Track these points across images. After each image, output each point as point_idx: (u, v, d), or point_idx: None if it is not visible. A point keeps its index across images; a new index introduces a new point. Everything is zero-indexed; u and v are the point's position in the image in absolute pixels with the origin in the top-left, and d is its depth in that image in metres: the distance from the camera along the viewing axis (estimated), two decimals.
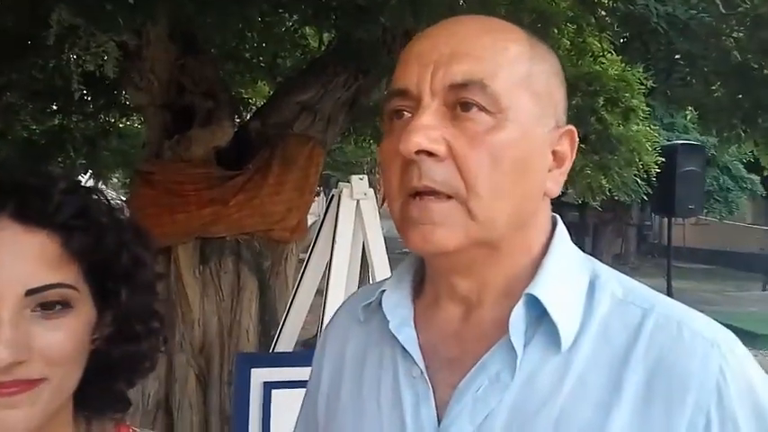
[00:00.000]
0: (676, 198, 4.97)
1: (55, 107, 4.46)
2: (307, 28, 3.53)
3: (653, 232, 21.46)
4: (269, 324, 2.71)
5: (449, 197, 0.59)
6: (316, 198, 5.28)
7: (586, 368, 0.60)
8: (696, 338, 0.59)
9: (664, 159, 4.43)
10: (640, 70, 3.31)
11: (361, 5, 2.47)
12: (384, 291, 0.71)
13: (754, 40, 1.93)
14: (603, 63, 3.69)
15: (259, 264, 2.73)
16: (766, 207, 15.46)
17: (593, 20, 2.74)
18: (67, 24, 1.97)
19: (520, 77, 0.61)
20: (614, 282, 0.65)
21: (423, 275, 0.72)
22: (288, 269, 2.87)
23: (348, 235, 2.10)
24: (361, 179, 2.13)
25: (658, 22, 1.94)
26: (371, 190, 2.14)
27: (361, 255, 2.20)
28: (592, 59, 3.68)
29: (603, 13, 2.57)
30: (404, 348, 0.66)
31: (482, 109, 0.59)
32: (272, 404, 1.91)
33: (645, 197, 4.92)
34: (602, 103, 3.79)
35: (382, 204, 3.85)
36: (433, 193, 0.59)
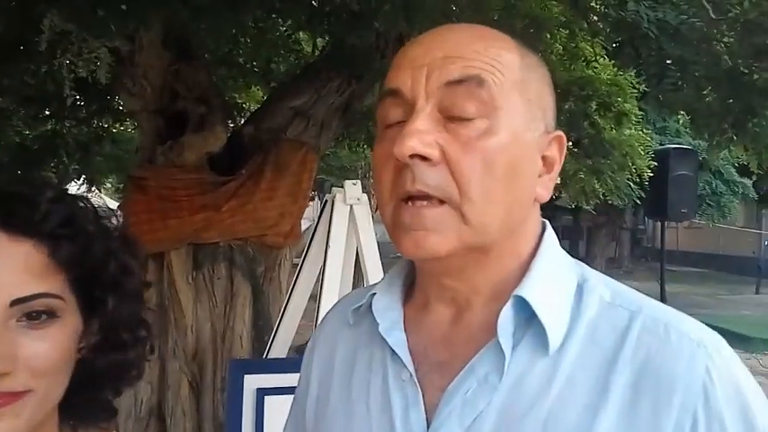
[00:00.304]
0: (669, 202, 4.99)
1: (48, 112, 4.45)
2: (301, 33, 3.54)
3: (646, 236, 21.55)
4: (263, 330, 2.70)
5: (441, 202, 0.60)
6: (310, 203, 5.27)
7: (574, 370, 0.60)
8: (683, 340, 0.59)
9: (656, 163, 4.46)
10: (632, 74, 3.33)
11: (355, 11, 2.48)
12: (374, 294, 0.71)
13: (744, 45, 1.95)
14: (596, 68, 3.71)
15: (252, 269, 2.72)
16: (758, 211, 15.54)
17: (586, 25, 2.76)
18: (59, 30, 1.96)
19: (513, 81, 0.62)
20: (602, 285, 0.65)
21: (413, 279, 0.72)
22: (282, 274, 2.87)
23: (341, 240, 2.10)
24: (354, 184, 2.13)
25: (649, 27, 1.95)
26: (365, 195, 2.14)
27: (354, 260, 2.20)
28: (584, 64, 3.71)
29: (595, 18, 2.59)
30: (393, 351, 0.66)
31: (476, 113, 0.60)
32: (265, 411, 1.90)
33: (638, 201, 4.95)
34: (594, 107, 3.82)
35: (376, 209, 3.85)
36: (426, 197, 0.60)
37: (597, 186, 4.49)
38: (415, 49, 0.64)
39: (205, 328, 2.61)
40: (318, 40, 3.31)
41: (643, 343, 0.60)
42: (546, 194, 0.67)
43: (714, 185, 9.75)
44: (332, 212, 2.10)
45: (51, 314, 0.60)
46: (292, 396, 0.81)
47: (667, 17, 1.98)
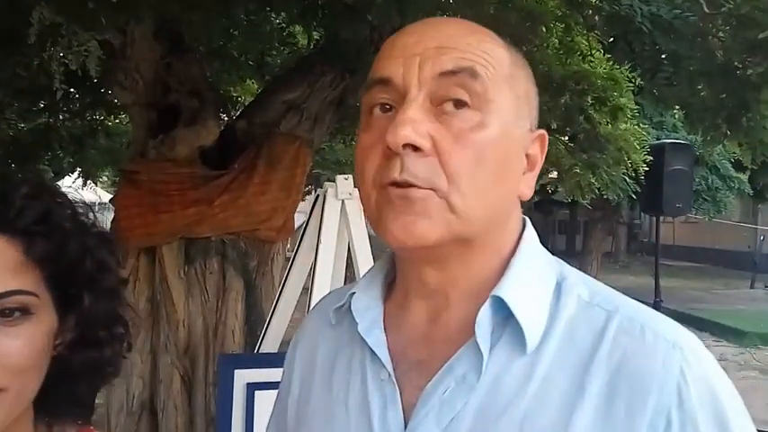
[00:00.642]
0: (664, 197, 4.99)
1: (41, 106, 4.42)
2: (295, 26, 3.52)
3: (643, 231, 21.61)
4: (255, 324, 2.70)
5: (426, 189, 0.59)
6: (307, 197, 5.26)
7: (551, 370, 0.60)
8: (658, 341, 0.59)
9: (652, 158, 4.45)
10: (627, 69, 3.32)
11: (349, 4, 2.46)
12: (354, 293, 0.70)
13: (737, 39, 1.94)
14: (592, 62, 3.70)
15: (245, 264, 2.71)
16: (754, 206, 15.59)
17: (581, 19, 2.75)
18: (49, 23, 1.95)
19: (504, 76, 0.62)
20: (581, 284, 0.65)
21: (394, 276, 0.72)
22: (275, 269, 2.86)
23: (333, 235, 2.10)
24: (346, 179, 2.12)
25: (642, 21, 1.94)
26: (357, 190, 2.13)
27: (346, 254, 2.20)
28: (580, 58, 3.69)
29: (590, 12, 2.58)
30: (373, 351, 0.66)
31: (468, 105, 0.59)
32: (255, 405, 1.90)
33: (633, 195, 4.94)
34: (590, 102, 3.81)
35: None
36: (411, 186, 0.59)
37: (593, 181, 4.48)
38: (406, 38, 0.63)
39: (197, 322, 2.61)
40: (313, 33, 3.29)
41: (619, 343, 0.59)
42: (528, 192, 0.67)
43: (710, 180, 9.77)
44: (323, 207, 2.10)
45: (25, 311, 0.59)
46: None
47: (661, 12, 1.98)
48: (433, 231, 0.59)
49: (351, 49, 2.67)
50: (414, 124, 0.58)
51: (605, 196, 5.04)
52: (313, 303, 1.94)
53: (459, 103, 0.60)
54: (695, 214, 10.89)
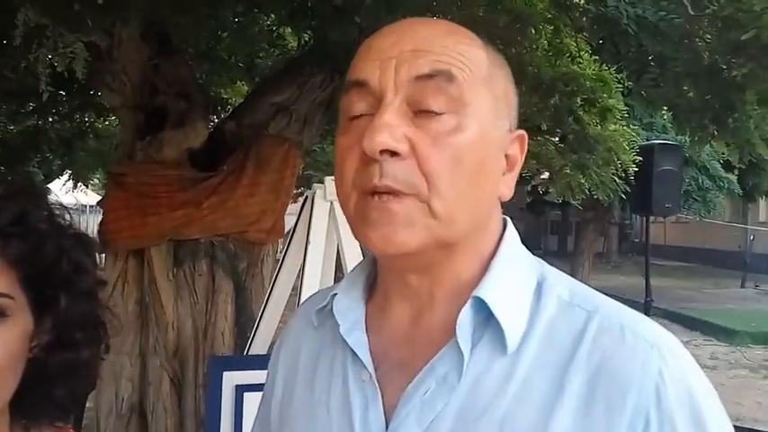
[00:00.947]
0: (654, 197, 5.01)
1: (30, 107, 4.40)
2: (285, 28, 3.51)
3: (634, 231, 21.72)
4: (245, 326, 2.69)
5: (407, 195, 0.59)
6: (299, 198, 5.25)
7: (531, 370, 0.60)
8: (638, 342, 0.59)
9: (641, 159, 4.46)
10: (614, 70, 3.34)
11: (338, 6, 2.46)
12: (336, 294, 0.70)
13: (722, 41, 1.96)
14: (581, 63, 3.72)
15: (234, 266, 2.71)
16: (744, 206, 15.70)
17: (570, 21, 2.76)
18: (34, 24, 1.94)
19: (481, 77, 0.62)
20: (561, 284, 0.65)
21: (375, 277, 0.72)
22: (264, 271, 2.86)
23: (322, 236, 2.10)
24: (334, 180, 2.12)
25: (628, 23, 1.95)
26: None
27: (335, 255, 2.20)
28: (569, 60, 3.71)
29: (578, 14, 2.59)
30: (354, 352, 0.66)
31: (445, 109, 0.59)
32: (243, 407, 1.89)
33: (623, 196, 4.97)
34: (579, 103, 3.82)
35: None
36: (392, 192, 0.59)
37: (583, 181, 4.50)
38: (383, 41, 0.63)
39: (186, 324, 2.60)
40: (303, 34, 3.29)
41: (599, 344, 0.60)
42: (508, 193, 0.67)
43: (700, 181, 9.82)
44: (312, 209, 2.10)
45: (0, 313, 0.59)
46: None
47: (647, 13, 1.99)
48: (413, 238, 0.59)
49: (340, 50, 2.67)
50: (390, 129, 0.58)
51: (596, 197, 5.07)
52: None
53: (435, 106, 0.59)
54: (685, 214, 10.95)
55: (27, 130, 5.00)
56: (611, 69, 3.36)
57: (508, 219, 0.70)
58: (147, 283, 2.58)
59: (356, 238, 0.63)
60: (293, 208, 2.94)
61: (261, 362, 1.96)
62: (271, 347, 2.24)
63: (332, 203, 2.10)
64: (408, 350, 0.65)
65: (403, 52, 0.60)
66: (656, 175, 4.99)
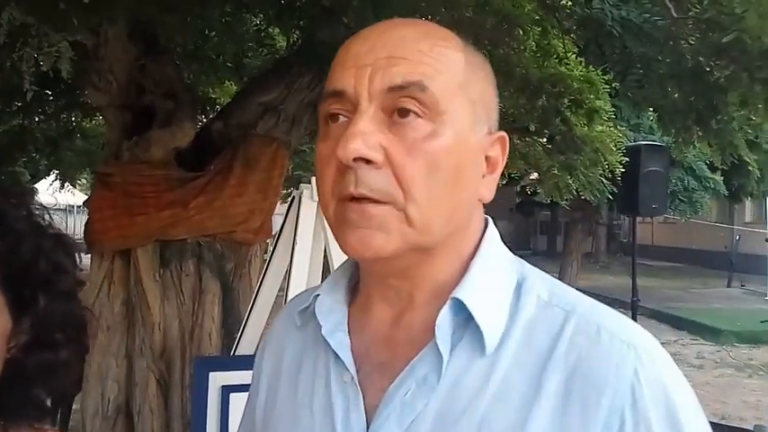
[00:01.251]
0: (640, 197, 5.05)
1: (16, 107, 4.36)
2: (274, 28, 3.51)
3: (623, 231, 21.85)
4: (232, 327, 2.69)
5: (384, 203, 0.59)
6: (288, 198, 5.22)
7: (509, 371, 0.60)
8: (614, 341, 0.60)
9: (628, 159, 4.50)
10: (600, 72, 3.36)
11: (325, 6, 2.46)
12: (318, 295, 0.70)
13: (704, 43, 1.98)
14: (568, 64, 3.74)
15: (221, 266, 2.70)
16: (730, 206, 15.85)
17: (557, 22, 2.78)
18: (19, 23, 1.92)
19: (457, 83, 0.62)
20: (540, 284, 0.65)
21: (358, 279, 0.72)
22: (252, 271, 2.85)
23: (309, 237, 2.10)
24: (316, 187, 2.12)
25: (613, 25, 1.97)
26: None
27: (323, 256, 2.20)
28: (557, 61, 3.73)
29: (564, 15, 2.61)
30: (336, 353, 0.66)
31: (420, 115, 0.59)
32: (230, 408, 1.89)
33: (610, 196, 5.00)
34: (566, 104, 3.84)
35: None
36: (368, 200, 0.59)
37: (570, 182, 4.52)
38: (358, 47, 0.62)
39: (173, 325, 2.59)
40: (291, 34, 3.28)
41: (575, 344, 0.60)
42: (489, 195, 0.67)
43: (686, 181, 9.90)
44: (299, 209, 2.09)
45: None
46: None
47: (631, 15, 2.00)
48: (389, 244, 0.59)
49: (328, 50, 2.66)
50: (364, 137, 0.58)
51: (583, 197, 5.10)
52: None
53: (410, 112, 0.60)
54: (672, 215, 11.05)
55: (13, 130, 4.96)
56: (598, 71, 3.39)
57: (489, 219, 0.70)
58: (134, 284, 2.57)
59: (337, 243, 0.63)
60: (282, 208, 2.94)
61: (247, 362, 1.95)
62: (258, 348, 2.23)
63: (319, 204, 2.10)
64: (389, 351, 0.65)
65: (378, 59, 0.60)
66: (642, 175, 5.04)
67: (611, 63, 2.24)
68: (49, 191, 8.03)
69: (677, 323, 9.45)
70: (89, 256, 2.62)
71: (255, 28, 3.42)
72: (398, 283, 0.65)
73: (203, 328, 2.61)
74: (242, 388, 1.89)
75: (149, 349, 2.54)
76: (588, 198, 5.29)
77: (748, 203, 15.59)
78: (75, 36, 2.05)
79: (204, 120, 3.70)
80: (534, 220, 22.56)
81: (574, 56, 3.54)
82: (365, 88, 0.60)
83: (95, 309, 2.47)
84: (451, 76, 0.61)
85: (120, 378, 2.59)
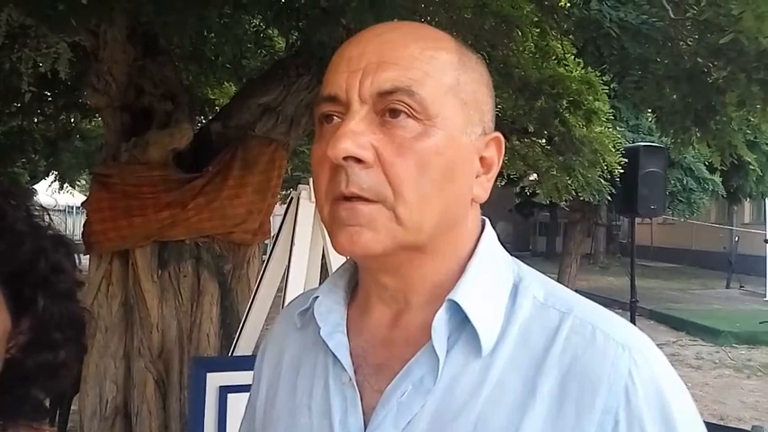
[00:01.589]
0: (638, 198, 5.05)
1: (15, 108, 4.36)
2: (273, 29, 3.51)
3: (622, 232, 21.86)
4: (231, 328, 2.69)
5: (375, 202, 0.60)
6: (287, 199, 5.22)
7: (505, 372, 0.60)
8: (608, 342, 0.60)
9: (626, 160, 4.50)
10: (598, 74, 3.37)
11: (324, 7, 2.47)
12: (317, 297, 0.71)
13: (702, 44, 1.98)
14: (567, 66, 3.74)
15: (220, 267, 2.70)
16: (729, 207, 15.87)
17: (555, 24, 2.78)
18: (18, 25, 1.93)
19: (448, 85, 0.62)
20: (536, 285, 0.65)
21: (357, 280, 0.72)
22: (250, 272, 2.85)
23: (307, 237, 2.10)
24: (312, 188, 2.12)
25: (611, 26, 1.97)
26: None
27: (321, 257, 2.20)
28: (556, 62, 3.74)
29: (562, 16, 2.61)
30: (335, 355, 0.66)
31: (411, 116, 0.60)
32: (227, 408, 1.89)
33: (609, 197, 5.00)
34: (565, 105, 3.85)
35: None
36: (360, 199, 0.60)
37: (569, 183, 4.53)
38: (351, 51, 0.63)
39: (171, 326, 2.59)
40: (290, 36, 3.29)
41: (570, 344, 0.60)
42: (483, 195, 0.67)
43: (685, 182, 9.90)
44: (297, 210, 2.10)
45: None
46: None
47: (629, 17, 2.01)
48: (377, 242, 0.60)
49: (326, 51, 2.67)
50: (354, 136, 0.59)
51: (582, 198, 5.10)
52: None
53: (401, 113, 0.60)
54: (671, 216, 11.05)
55: (12, 131, 4.96)
56: (596, 72, 3.39)
57: (486, 220, 0.70)
58: (132, 285, 2.57)
59: (330, 242, 0.64)
60: (280, 209, 2.94)
61: (245, 363, 1.96)
62: (256, 349, 2.24)
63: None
64: (387, 352, 0.65)
65: (369, 64, 0.61)
66: (641, 176, 5.04)
67: (610, 64, 2.24)
68: (48, 192, 8.04)
69: (676, 324, 9.45)
70: (88, 257, 2.62)
71: (254, 29, 3.42)
72: (393, 283, 0.66)
73: (201, 329, 2.61)
74: (240, 388, 1.90)
75: (147, 350, 2.54)
76: (587, 199, 5.30)
77: (747, 204, 15.61)
78: (74, 37, 2.06)
79: (203, 121, 3.71)
80: (533, 221, 22.56)
81: (572, 57, 3.55)
82: (356, 92, 0.60)
83: (94, 309, 2.47)
84: (442, 78, 0.62)
85: (119, 379, 2.59)
